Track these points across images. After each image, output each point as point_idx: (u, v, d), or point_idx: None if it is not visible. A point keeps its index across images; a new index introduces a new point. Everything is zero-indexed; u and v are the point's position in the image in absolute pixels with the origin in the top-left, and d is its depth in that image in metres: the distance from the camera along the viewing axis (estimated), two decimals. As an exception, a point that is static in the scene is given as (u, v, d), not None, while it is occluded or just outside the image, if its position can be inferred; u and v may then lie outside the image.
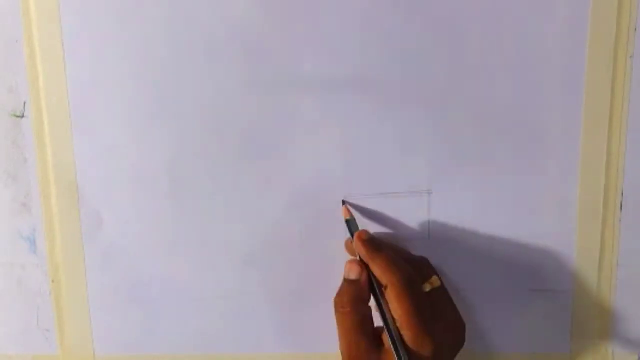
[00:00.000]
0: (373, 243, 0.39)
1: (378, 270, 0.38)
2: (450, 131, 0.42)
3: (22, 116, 0.44)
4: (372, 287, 0.39)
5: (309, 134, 0.43)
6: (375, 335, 0.38)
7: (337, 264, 0.44)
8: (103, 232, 0.45)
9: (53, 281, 0.46)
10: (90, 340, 0.46)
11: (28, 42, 0.42)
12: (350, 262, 0.40)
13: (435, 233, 0.43)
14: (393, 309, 0.37)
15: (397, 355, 0.36)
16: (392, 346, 0.36)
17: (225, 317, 0.45)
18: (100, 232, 0.45)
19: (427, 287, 0.38)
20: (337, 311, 0.39)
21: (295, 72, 0.42)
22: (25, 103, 0.43)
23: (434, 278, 0.39)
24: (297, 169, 0.43)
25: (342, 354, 0.38)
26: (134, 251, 0.45)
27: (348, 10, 0.41)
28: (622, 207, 0.42)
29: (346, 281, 0.40)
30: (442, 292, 0.40)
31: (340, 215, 0.43)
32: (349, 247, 0.42)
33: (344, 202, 0.43)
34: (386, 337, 0.37)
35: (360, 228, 0.42)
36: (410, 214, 0.43)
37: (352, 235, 0.41)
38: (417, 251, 0.43)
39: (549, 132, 0.42)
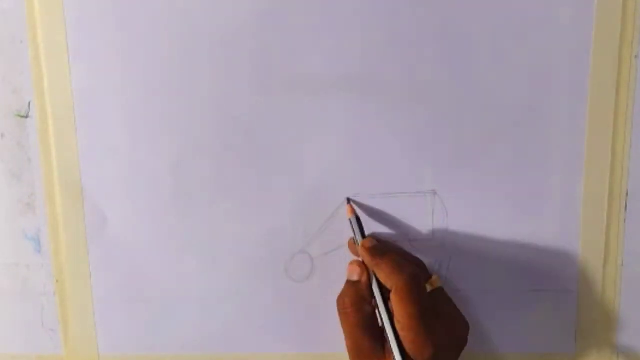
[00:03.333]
0: (376, 249, 0.40)
1: (382, 275, 0.38)
2: (455, 131, 0.42)
3: (27, 116, 0.44)
4: (377, 290, 0.39)
5: (314, 135, 0.43)
6: (378, 334, 0.39)
7: (342, 264, 0.44)
8: (107, 232, 0.45)
9: (57, 281, 0.46)
10: (94, 339, 0.46)
11: (32, 42, 0.42)
12: (352, 263, 0.41)
13: (439, 233, 0.43)
14: (396, 311, 0.37)
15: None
16: (392, 349, 0.37)
17: (229, 317, 0.45)
18: (104, 232, 0.45)
19: (428, 288, 0.39)
20: (339, 311, 0.40)
21: (299, 73, 0.42)
22: (29, 103, 0.43)
23: (435, 277, 0.40)
24: (301, 169, 0.43)
25: (348, 351, 0.39)
26: (138, 251, 0.45)
27: (354, 11, 0.41)
28: (627, 207, 0.42)
29: (348, 282, 0.41)
30: (442, 292, 0.40)
31: (346, 215, 0.43)
32: (351, 247, 0.43)
33: (348, 201, 0.43)
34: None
35: (366, 228, 0.42)
36: (415, 214, 0.43)
37: (355, 234, 0.41)
38: (421, 251, 0.43)
39: (554, 133, 0.42)
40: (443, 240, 0.43)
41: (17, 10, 0.42)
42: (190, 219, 0.44)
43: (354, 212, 0.42)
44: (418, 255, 0.43)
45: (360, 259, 0.41)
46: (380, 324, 0.39)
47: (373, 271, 0.39)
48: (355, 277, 0.40)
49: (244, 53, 0.42)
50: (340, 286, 0.44)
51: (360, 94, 0.42)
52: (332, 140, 0.43)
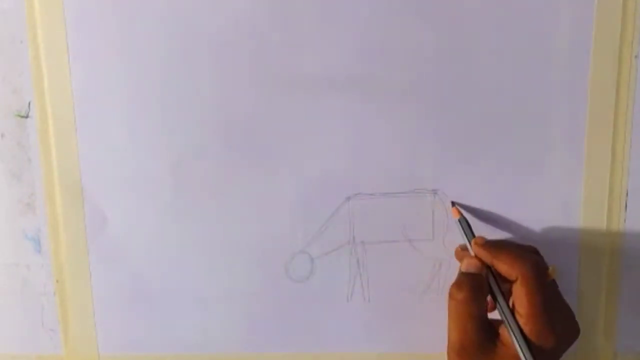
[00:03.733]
0: (493, 243, 0.40)
1: (505, 266, 0.38)
2: (456, 131, 0.42)
3: (27, 116, 0.44)
4: (495, 285, 0.39)
5: (314, 134, 0.43)
6: (490, 328, 0.38)
7: (342, 264, 0.44)
8: (107, 232, 0.45)
9: (57, 281, 0.46)
10: (94, 340, 0.46)
11: (32, 42, 0.42)
12: (469, 257, 0.40)
13: (440, 233, 0.43)
14: (519, 303, 0.37)
15: (523, 352, 0.36)
16: (515, 342, 0.36)
17: (229, 317, 0.45)
18: (104, 232, 0.45)
19: (549, 277, 0.38)
20: (453, 299, 0.38)
21: (300, 72, 0.42)
22: (29, 103, 0.43)
23: (552, 267, 0.39)
24: (302, 169, 0.43)
25: (453, 345, 0.38)
26: (138, 251, 0.45)
27: (354, 10, 0.41)
28: (627, 207, 0.42)
29: (465, 274, 0.39)
30: (555, 285, 0.40)
31: (346, 214, 0.43)
32: (459, 254, 0.42)
33: (453, 204, 0.42)
34: (505, 331, 0.37)
35: (367, 228, 0.42)
36: (415, 213, 0.43)
37: (467, 236, 0.41)
38: (420, 251, 0.43)
39: (554, 133, 0.42)
40: (443, 240, 0.43)
41: (17, 10, 0.42)
42: (190, 219, 0.44)
43: (461, 213, 0.42)
44: (418, 255, 0.43)
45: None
46: (500, 316, 0.38)
47: (492, 265, 0.39)
48: (473, 269, 0.39)
49: (244, 53, 0.42)
50: (341, 286, 0.44)
51: (360, 94, 0.42)
52: (332, 140, 0.43)
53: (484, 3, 0.40)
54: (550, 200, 0.42)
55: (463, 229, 0.41)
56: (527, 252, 0.39)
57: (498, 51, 0.41)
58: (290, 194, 0.43)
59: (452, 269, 0.44)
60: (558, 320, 0.37)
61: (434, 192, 0.43)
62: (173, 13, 0.42)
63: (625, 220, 0.42)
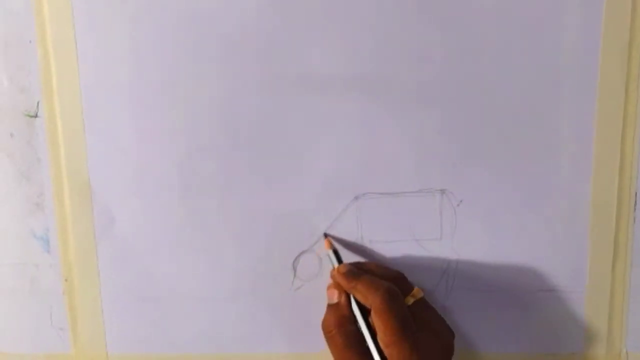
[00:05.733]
0: (351, 273, 0.41)
1: (360, 296, 0.39)
2: (464, 131, 0.42)
3: (36, 116, 0.44)
4: (357, 310, 0.40)
5: (322, 134, 0.43)
6: (366, 352, 0.39)
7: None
8: (115, 231, 0.45)
9: (66, 280, 0.46)
10: (103, 338, 0.46)
11: (41, 42, 0.42)
12: (329, 287, 0.42)
13: (448, 232, 0.43)
14: (378, 329, 0.38)
15: None
16: None
17: (238, 317, 0.46)
18: (112, 231, 0.45)
19: (410, 300, 0.40)
20: (325, 336, 0.40)
21: (308, 72, 0.42)
22: (38, 103, 0.43)
23: (416, 289, 0.40)
24: (310, 168, 0.43)
25: None
26: (146, 250, 0.45)
27: (363, 10, 0.41)
28: (636, 207, 0.42)
29: (329, 306, 0.41)
30: (424, 304, 0.41)
31: (354, 213, 0.43)
32: (334, 278, 0.43)
33: (325, 235, 0.44)
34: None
35: (374, 228, 0.42)
36: (423, 213, 0.43)
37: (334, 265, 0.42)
38: (428, 251, 0.43)
39: (562, 133, 0.42)
40: (451, 240, 0.43)
41: (25, 10, 0.42)
42: (198, 218, 0.44)
43: (332, 246, 0.43)
44: (425, 255, 0.43)
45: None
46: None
47: (351, 294, 0.40)
48: (334, 300, 0.41)
49: (252, 52, 0.42)
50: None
51: (369, 94, 0.42)
52: (340, 140, 0.43)
53: (492, 3, 0.40)
54: (559, 200, 0.42)
55: (332, 260, 0.42)
56: (382, 280, 0.40)
57: (506, 51, 0.41)
58: (298, 193, 0.43)
59: (460, 269, 0.44)
60: (420, 344, 0.37)
61: (442, 191, 0.43)
62: (181, 13, 0.42)
63: (634, 220, 0.42)
